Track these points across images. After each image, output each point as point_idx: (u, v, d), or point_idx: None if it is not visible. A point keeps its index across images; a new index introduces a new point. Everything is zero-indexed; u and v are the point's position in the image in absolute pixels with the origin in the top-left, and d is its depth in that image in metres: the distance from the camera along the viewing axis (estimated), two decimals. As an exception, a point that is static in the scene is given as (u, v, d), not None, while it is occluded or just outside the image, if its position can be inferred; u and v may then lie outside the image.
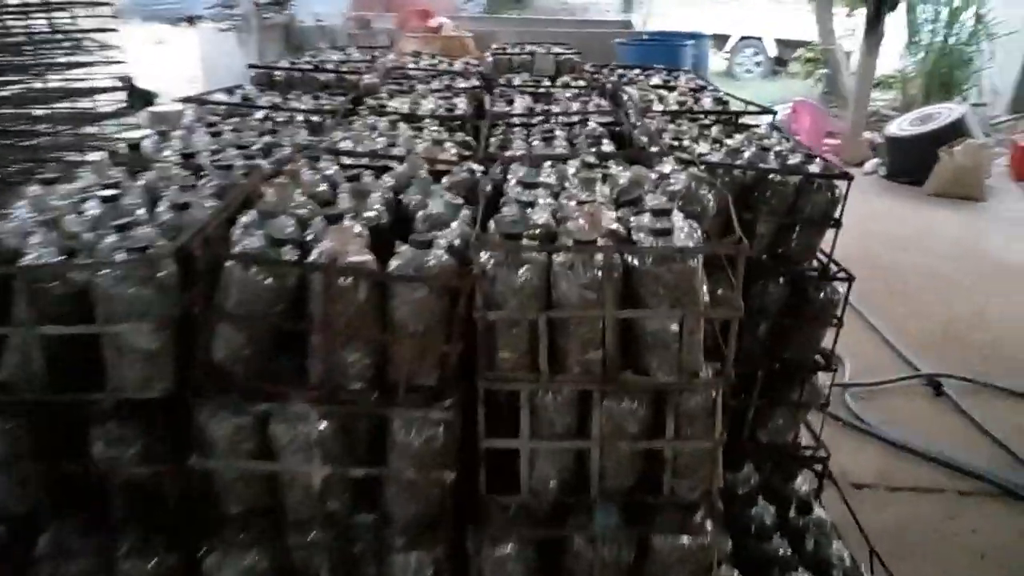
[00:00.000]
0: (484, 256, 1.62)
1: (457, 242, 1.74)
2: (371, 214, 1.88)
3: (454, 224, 1.85)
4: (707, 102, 3.45)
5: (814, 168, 2.26)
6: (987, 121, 8.90)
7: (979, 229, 6.72)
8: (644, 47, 8.17)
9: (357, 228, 1.73)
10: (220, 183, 2.02)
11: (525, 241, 1.66)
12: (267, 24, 9.23)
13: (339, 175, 2.16)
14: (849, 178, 2.20)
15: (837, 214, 2.25)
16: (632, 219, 1.77)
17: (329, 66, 4.02)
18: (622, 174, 2.09)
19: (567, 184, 2.06)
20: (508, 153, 2.46)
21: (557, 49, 4.52)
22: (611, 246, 1.63)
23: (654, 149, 2.41)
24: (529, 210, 1.82)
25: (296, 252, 1.66)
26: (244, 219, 1.77)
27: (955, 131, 7.51)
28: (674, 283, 1.60)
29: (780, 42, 14.80)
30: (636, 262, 1.62)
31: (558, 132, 2.73)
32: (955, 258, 5.95)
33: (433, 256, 1.63)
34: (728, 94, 3.57)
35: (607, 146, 2.60)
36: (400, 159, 2.29)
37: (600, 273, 1.59)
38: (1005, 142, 8.56)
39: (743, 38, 14.86)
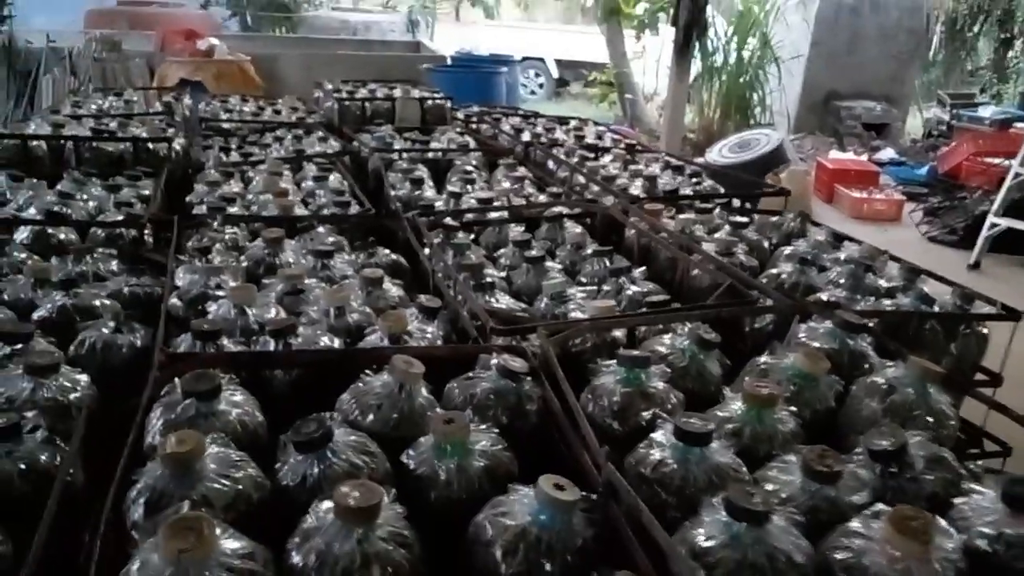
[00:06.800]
0: None
1: None
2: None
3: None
4: (656, 167, 2.71)
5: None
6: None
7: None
8: (457, 75, 7.38)
9: None
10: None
11: None
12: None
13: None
14: (1016, 317, 1.53)
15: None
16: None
17: (113, 124, 2.73)
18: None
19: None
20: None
21: (416, 93, 3.56)
22: None
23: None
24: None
25: None
26: None
27: (777, 158, 7.48)
28: None
29: (561, 63, 14.74)
30: None
31: (535, 246, 1.82)
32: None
33: None
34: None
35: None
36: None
37: None
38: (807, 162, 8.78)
39: (525, 58, 14.59)
